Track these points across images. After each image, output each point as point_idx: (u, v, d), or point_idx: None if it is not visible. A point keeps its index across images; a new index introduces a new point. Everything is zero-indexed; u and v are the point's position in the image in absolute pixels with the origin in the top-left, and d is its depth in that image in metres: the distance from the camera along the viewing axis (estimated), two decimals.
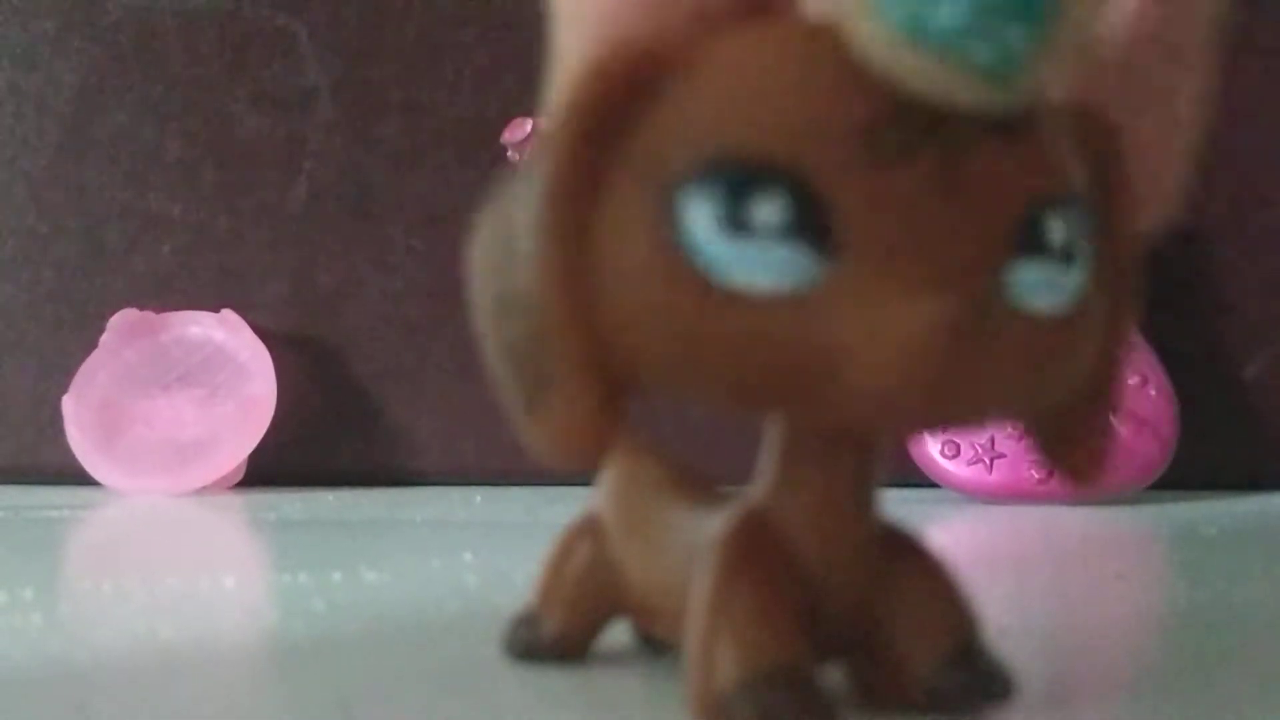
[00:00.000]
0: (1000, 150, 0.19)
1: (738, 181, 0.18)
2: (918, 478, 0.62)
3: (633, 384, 0.20)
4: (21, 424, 0.74)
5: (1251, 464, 0.66)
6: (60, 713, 0.24)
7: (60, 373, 0.71)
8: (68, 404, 0.69)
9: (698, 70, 0.19)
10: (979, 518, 0.56)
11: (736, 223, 0.18)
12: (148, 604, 0.35)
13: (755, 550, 0.22)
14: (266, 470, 0.70)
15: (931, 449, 0.62)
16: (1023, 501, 0.59)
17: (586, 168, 0.19)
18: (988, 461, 0.60)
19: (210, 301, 0.71)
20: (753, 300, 0.18)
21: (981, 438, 0.60)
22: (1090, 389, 0.21)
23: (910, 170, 0.18)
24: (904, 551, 0.23)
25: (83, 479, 0.69)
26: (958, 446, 0.61)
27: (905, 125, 0.18)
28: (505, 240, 0.20)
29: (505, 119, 0.72)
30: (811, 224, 0.18)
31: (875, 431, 0.22)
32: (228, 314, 0.70)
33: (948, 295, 0.18)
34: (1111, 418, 0.21)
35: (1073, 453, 0.21)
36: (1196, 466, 0.63)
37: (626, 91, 0.19)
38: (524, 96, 0.72)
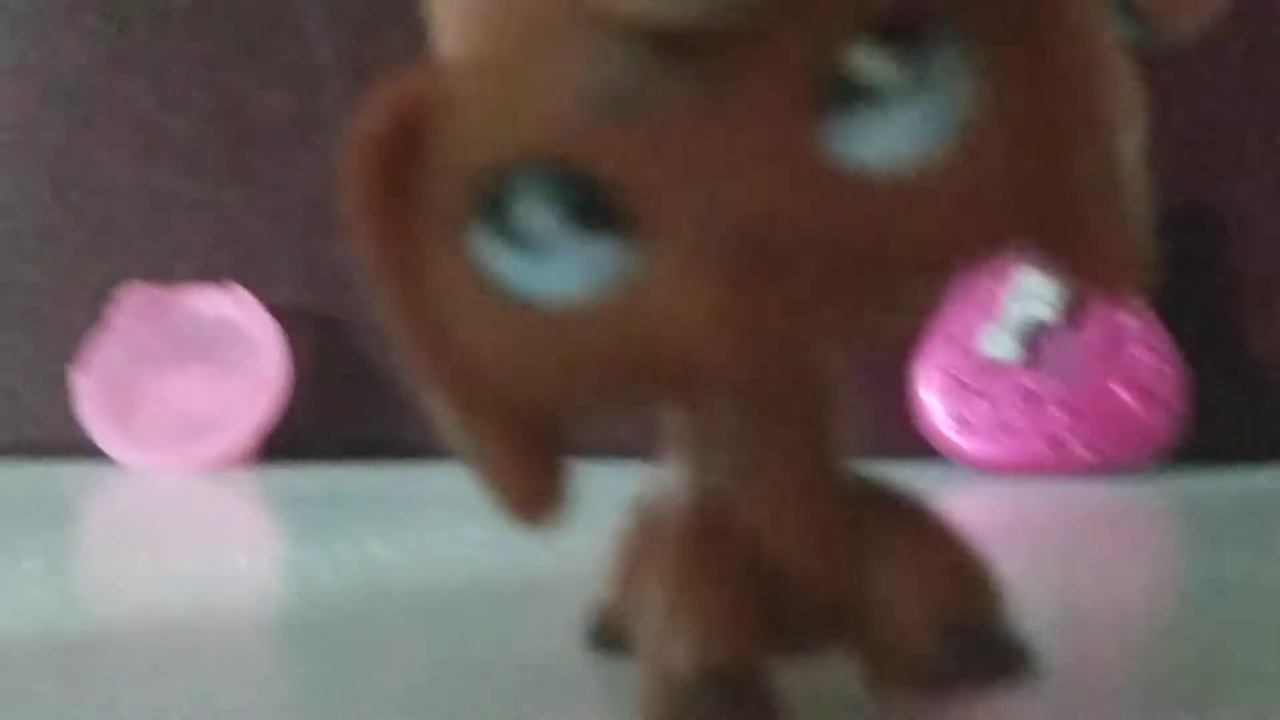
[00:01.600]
0: (765, 31, 0.17)
1: (503, 196, 0.17)
2: (927, 452, 0.62)
3: (549, 429, 0.19)
4: (35, 400, 0.74)
5: (1265, 437, 0.66)
6: (66, 686, 0.24)
7: (73, 350, 0.71)
8: (80, 380, 0.70)
9: (457, 96, 0.18)
10: (989, 492, 0.56)
11: (517, 237, 0.17)
12: (156, 578, 0.35)
13: (709, 545, 0.20)
14: (279, 446, 0.70)
15: (941, 424, 0.62)
16: (1034, 476, 0.59)
17: (393, 222, 0.18)
18: (998, 435, 0.60)
19: (221, 278, 0.71)
20: (586, 310, 0.17)
21: (991, 412, 0.60)
22: (1089, 191, 0.18)
23: (662, 111, 0.17)
24: (890, 519, 0.21)
25: (95, 455, 0.69)
26: (969, 421, 0.61)
27: (639, 67, 0.17)
28: None
29: None
30: (585, 211, 0.17)
31: (826, 394, 0.20)
32: (238, 290, 0.70)
33: (725, 246, 0.17)
34: (1125, 213, 0.18)
35: (1098, 261, 0.18)
36: (1209, 440, 0.63)
37: (403, 136, 0.18)
38: None
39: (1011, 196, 0.17)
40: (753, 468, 0.20)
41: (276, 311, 0.70)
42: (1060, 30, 0.17)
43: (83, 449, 0.69)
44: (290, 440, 0.71)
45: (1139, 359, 0.60)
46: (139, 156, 0.74)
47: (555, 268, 0.17)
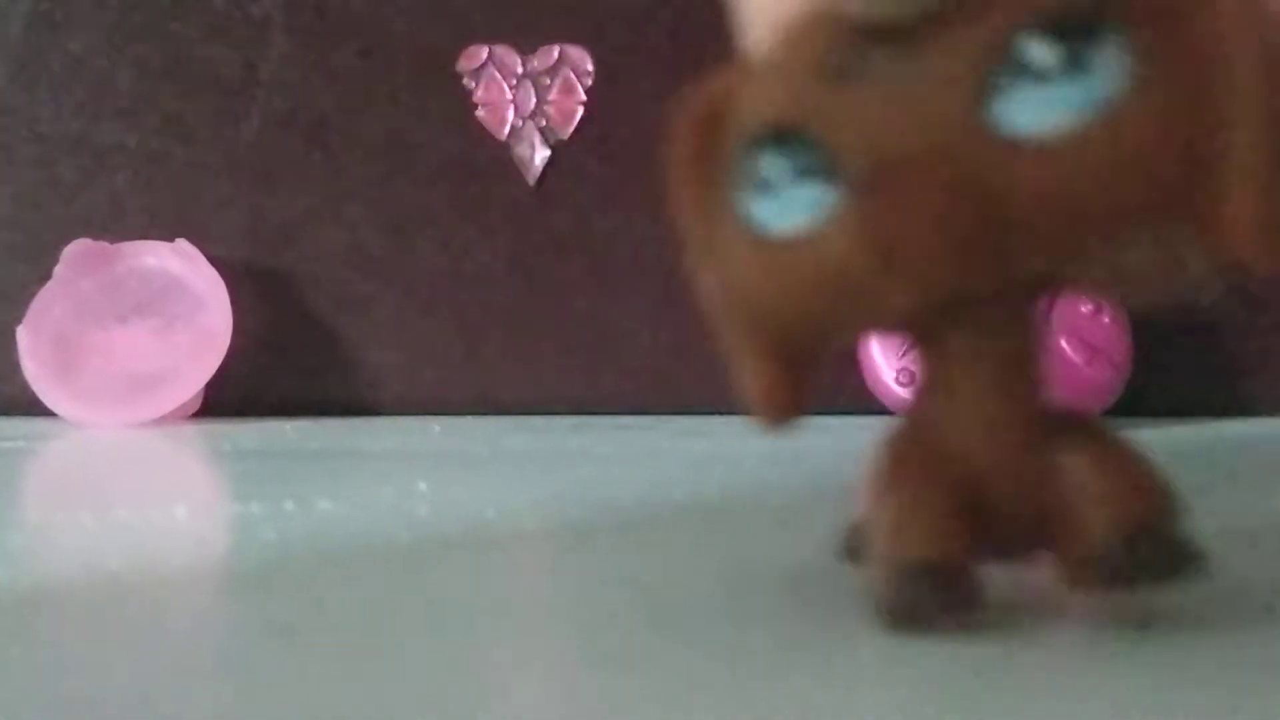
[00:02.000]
0: (955, 20, 0.21)
1: (757, 154, 0.23)
2: (874, 405, 0.62)
3: (799, 349, 0.24)
4: None
5: (1208, 391, 0.67)
6: (9, 641, 0.24)
7: (15, 304, 0.70)
8: (22, 335, 0.69)
9: (744, 87, 0.24)
10: None
11: (763, 184, 0.22)
12: (99, 534, 0.35)
13: (912, 453, 0.24)
14: (223, 401, 0.70)
15: (886, 376, 0.62)
16: None
17: (698, 196, 0.24)
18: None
19: (165, 232, 0.71)
20: (795, 243, 0.22)
21: None
22: (1232, 169, 0.21)
23: (868, 81, 0.22)
24: (1078, 434, 0.24)
25: (38, 410, 0.69)
26: (912, 374, 0.61)
27: (856, 48, 0.22)
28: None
29: (460, 47, 0.71)
30: (809, 161, 0.22)
31: (1027, 325, 0.24)
32: (183, 244, 0.70)
33: (907, 177, 0.21)
34: (1267, 186, 0.21)
35: (1241, 232, 0.21)
36: (1154, 394, 0.63)
37: (711, 117, 0.24)
38: (479, 24, 0.71)
39: (1157, 167, 0.20)
40: (964, 394, 0.23)
41: (221, 266, 0.69)
42: (1211, 14, 0.21)
43: (26, 405, 0.69)
44: (236, 395, 0.71)
45: (1085, 316, 0.61)
46: (83, 110, 0.73)
47: (784, 206, 0.22)
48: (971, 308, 0.23)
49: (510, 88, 0.71)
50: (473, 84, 0.71)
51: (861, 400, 0.62)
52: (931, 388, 0.24)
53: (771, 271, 0.23)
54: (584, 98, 0.71)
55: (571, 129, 0.71)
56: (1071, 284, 0.23)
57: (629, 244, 0.70)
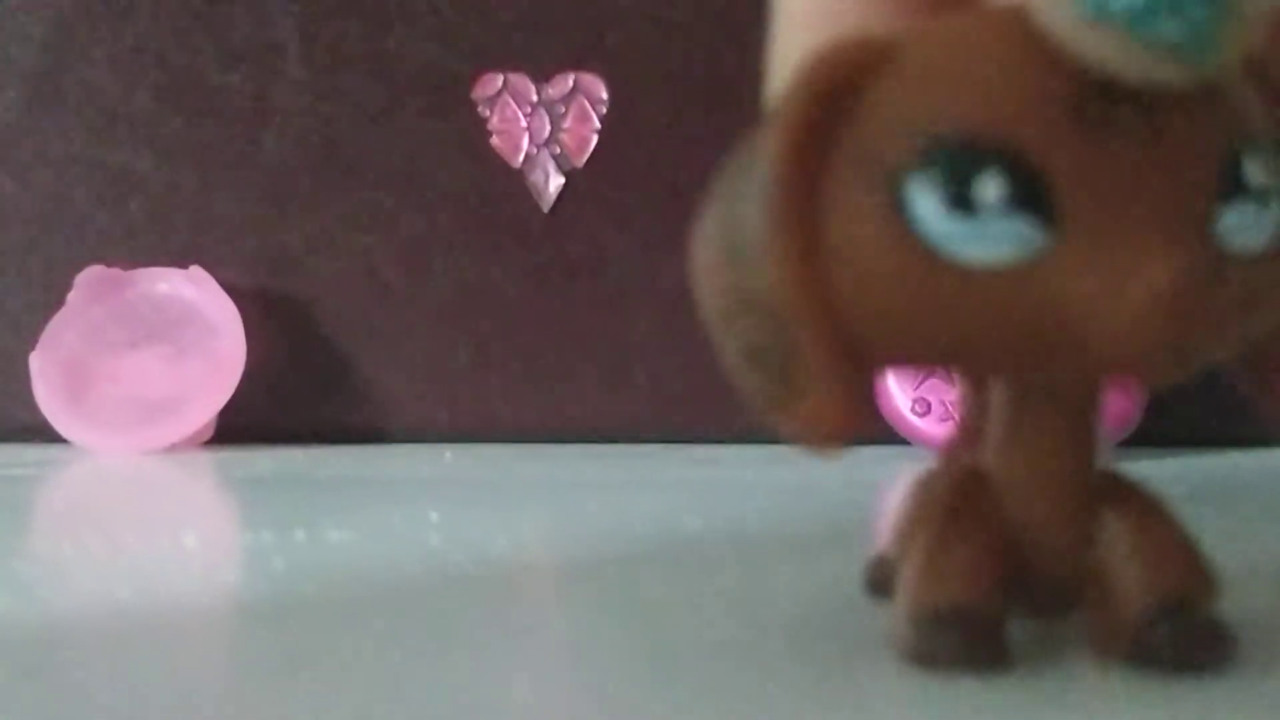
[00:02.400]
0: (1196, 106, 0.20)
1: (959, 164, 0.20)
2: (889, 435, 0.62)
3: (873, 363, 0.22)
4: None
5: (1224, 422, 0.66)
6: (7, 674, 0.24)
7: (27, 330, 0.70)
8: (35, 361, 0.69)
9: (904, 60, 0.21)
10: None
11: (962, 203, 0.20)
12: (107, 563, 0.35)
13: (969, 505, 0.23)
14: (236, 428, 0.70)
15: (902, 406, 0.62)
16: None
17: (811, 160, 0.21)
18: (958, 419, 0.60)
19: (179, 258, 0.71)
20: (983, 272, 0.20)
21: (953, 396, 0.60)
22: None
23: (1117, 137, 0.20)
24: (1124, 501, 0.23)
25: (50, 437, 0.68)
26: (928, 404, 0.61)
27: (1108, 95, 0.20)
28: (732, 238, 0.22)
29: (475, 73, 0.71)
30: (1031, 197, 0.20)
31: (1100, 388, 0.23)
32: (196, 270, 0.70)
33: (1179, 249, 0.20)
34: None
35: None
36: (1168, 424, 0.63)
37: (843, 84, 0.21)
38: (494, 50, 0.71)
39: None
40: (1019, 450, 0.23)
41: (234, 292, 0.69)
42: None
43: (37, 431, 0.69)
44: (248, 422, 0.70)
45: None
46: (96, 135, 0.73)
47: (988, 237, 0.20)
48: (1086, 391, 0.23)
49: (525, 115, 0.71)
50: (487, 111, 0.71)
51: (876, 430, 0.62)
52: (994, 435, 0.23)
53: (958, 298, 0.20)
54: (598, 125, 0.71)
55: (586, 157, 0.71)
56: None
57: (643, 272, 0.70)
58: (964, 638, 0.22)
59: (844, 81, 0.21)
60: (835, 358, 0.21)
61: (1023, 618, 0.24)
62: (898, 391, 0.62)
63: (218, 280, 0.69)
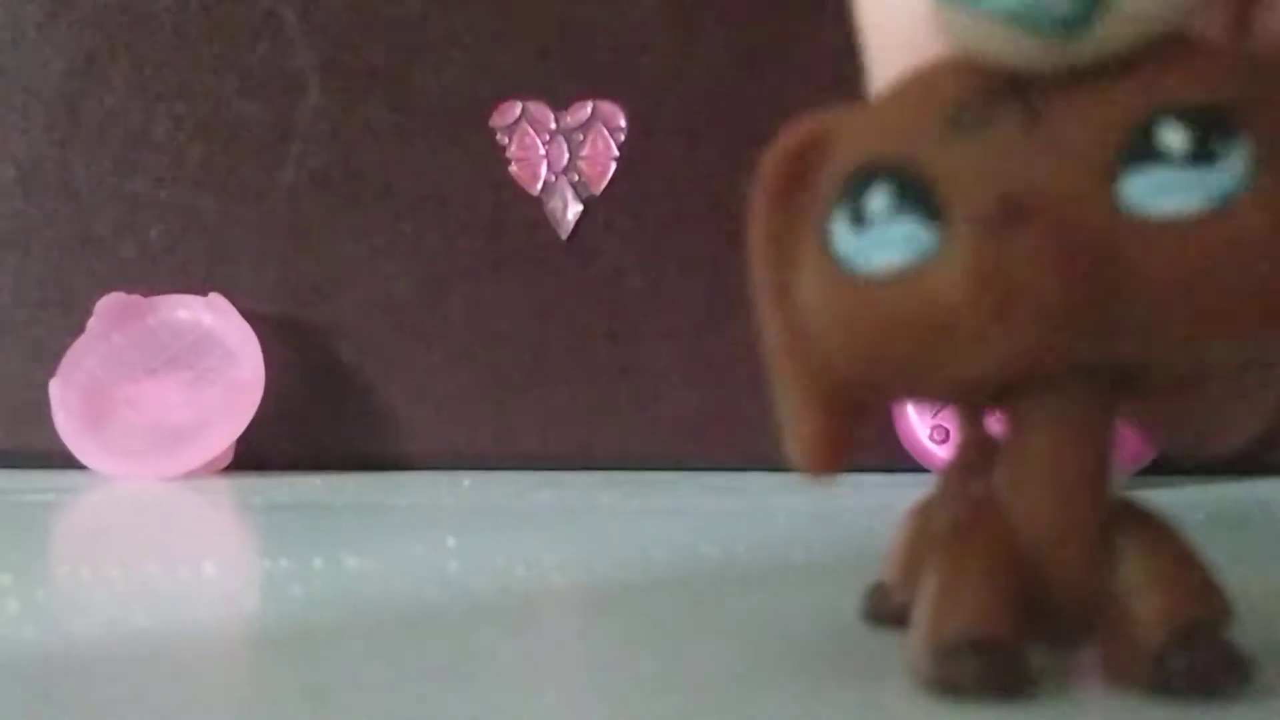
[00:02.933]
0: (1096, 83, 0.21)
1: (858, 188, 0.22)
2: (907, 462, 0.62)
3: (848, 400, 0.23)
4: (8, 408, 0.73)
5: (1240, 450, 0.66)
6: (28, 701, 0.24)
7: (48, 356, 0.71)
8: (55, 388, 0.69)
9: (839, 135, 0.23)
10: None
11: (860, 219, 0.22)
12: (125, 590, 0.35)
13: (983, 534, 0.23)
14: (255, 454, 0.70)
15: (920, 434, 0.62)
16: None
17: (778, 229, 0.24)
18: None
19: (198, 285, 0.71)
20: (889, 281, 0.22)
21: None
22: None
23: (994, 132, 0.21)
24: (1138, 528, 0.23)
25: (70, 463, 0.69)
26: (946, 431, 0.61)
27: (985, 98, 0.22)
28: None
29: (494, 101, 0.72)
30: (916, 199, 0.22)
31: (1113, 416, 0.23)
32: (215, 297, 0.70)
33: (1033, 227, 0.21)
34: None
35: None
36: (1184, 453, 0.63)
37: (798, 164, 0.24)
38: (514, 80, 0.71)
39: (1258, 277, 0.21)
40: (1033, 478, 0.23)
41: (253, 319, 0.69)
42: None
43: (57, 457, 0.69)
44: (267, 448, 0.70)
45: None
46: (116, 163, 0.73)
47: (882, 243, 0.22)
48: (1058, 386, 0.22)
49: (543, 143, 0.71)
50: (506, 139, 0.71)
51: (894, 457, 0.62)
52: (1007, 463, 0.23)
53: (860, 309, 0.22)
54: (616, 153, 0.71)
55: (604, 184, 0.71)
56: (1152, 385, 0.23)
57: (661, 299, 0.70)
58: (983, 666, 0.22)
59: (800, 159, 0.24)
60: (807, 395, 0.23)
61: (1039, 646, 0.24)
62: (915, 419, 0.62)
63: (237, 307, 0.70)
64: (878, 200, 0.22)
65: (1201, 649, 0.22)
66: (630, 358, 0.71)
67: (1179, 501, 0.55)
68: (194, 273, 0.72)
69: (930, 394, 0.24)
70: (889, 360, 0.22)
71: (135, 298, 0.71)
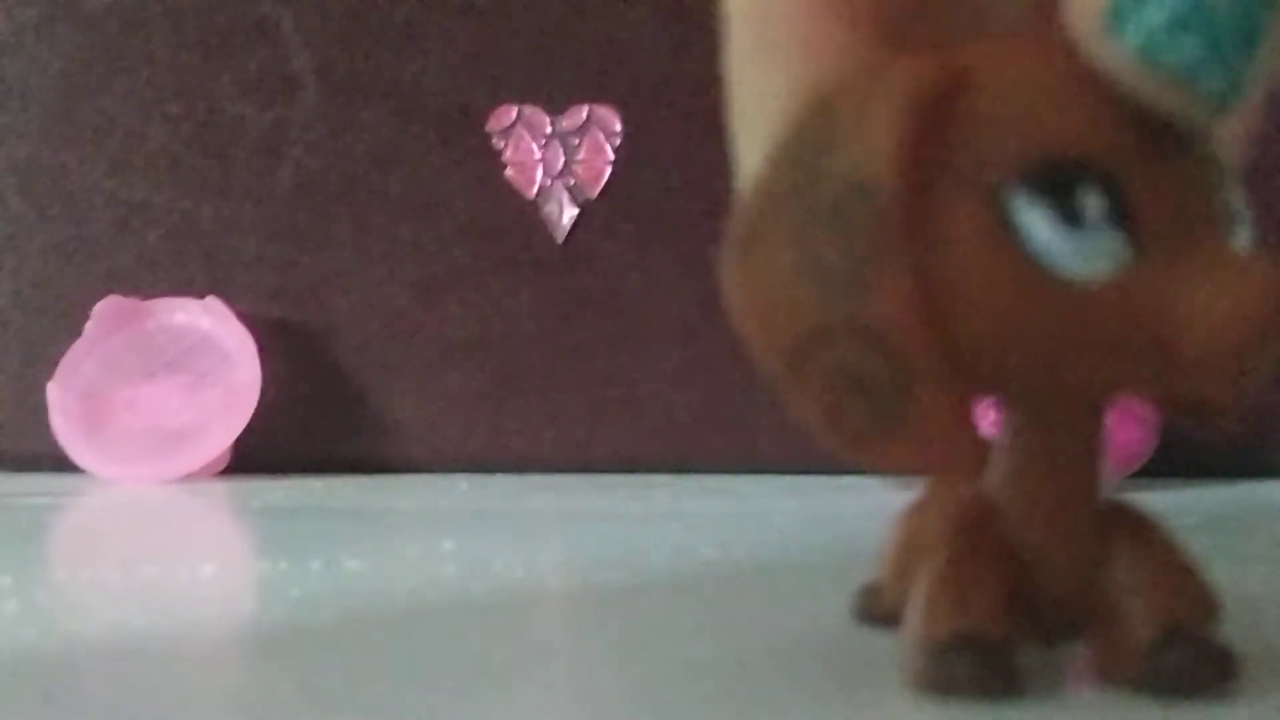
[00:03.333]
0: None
1: (1062, 181, 0.21)
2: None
3: (975, 387, 0.22)
4: (5, 411, 0.73)
5: (1237, 452, 0.66)
6: (26, 702, 0.24)
7: (44, 360, 0.71)
8: (52, 391, 0.69)
9: (983, 86, 0.21)
10: None
11: (1070, 219, 0.21)
12: (123, 592, 0.35)
13: (976, 533, 0.23)
14: (252, 457, 0.70)
15: None
16: None
17: (916, 181, 0.21)
18: None
19: (195, 289, 0.71)
20: (1081, 287, 0.21)
21: None
22: (1204, 373, 0.22)
23: (1173, 155, 0.21)
24: (1128, 528, 0.24)
25: (67, 466, 0.69)
26: None
27: (1162, 118, 0.21)
28: (819, 263, 0.21)
29: (491, 106, 0.72)
30: (1123, 212, 0.21)
31: (1103, 417, 0.23)
32: (212, 301, 0.70)
33: (1262, 263, 0.20)
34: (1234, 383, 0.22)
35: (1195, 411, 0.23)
36: (1181, 454, 0.63)
37: (939, 103, 0.21)
38: (509, 84, 0.72)
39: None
40: (1026, 478, 0.23)
41: (251, 323, 0.70)
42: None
43: (55, 460, 0.69)
44: (265, 451, 0.71)
45: None
46: (113, 166, 0.73)
47: (1090, 251, 0.21)
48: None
49: (539, 147, 0.71)
50: (502, 143, 0.71)
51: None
52: (1001, 464, 0.24)
53: (1056, 312, 0.21)
54: (612, 157, 0.71)
55: (600, 188, 0.71)
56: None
57: (657, 302, 0.70)
58: (976, 665, 0.22)
59: (940, 101, 0.21)
60: (949, 384, 0.21)
61: (1030, 644, 0.24)
62: None
63: (234, 311, 0.70)
64: (1093, 206, 0.21)
65: (1190, 648, 0.22)
66: (627, 361, 0.71)
67: (1175, 503, 0.55)
68: (191, 276, 0.72)
69: (1055, 394, 0.23)
70: (1085, 363, 0.21)
71: (132, 301, 0.71)
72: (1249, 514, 0.54)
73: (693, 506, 0.57)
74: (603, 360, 0.71)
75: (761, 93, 0.24)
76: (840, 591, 0.30)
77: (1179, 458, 0.63)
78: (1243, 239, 0.22)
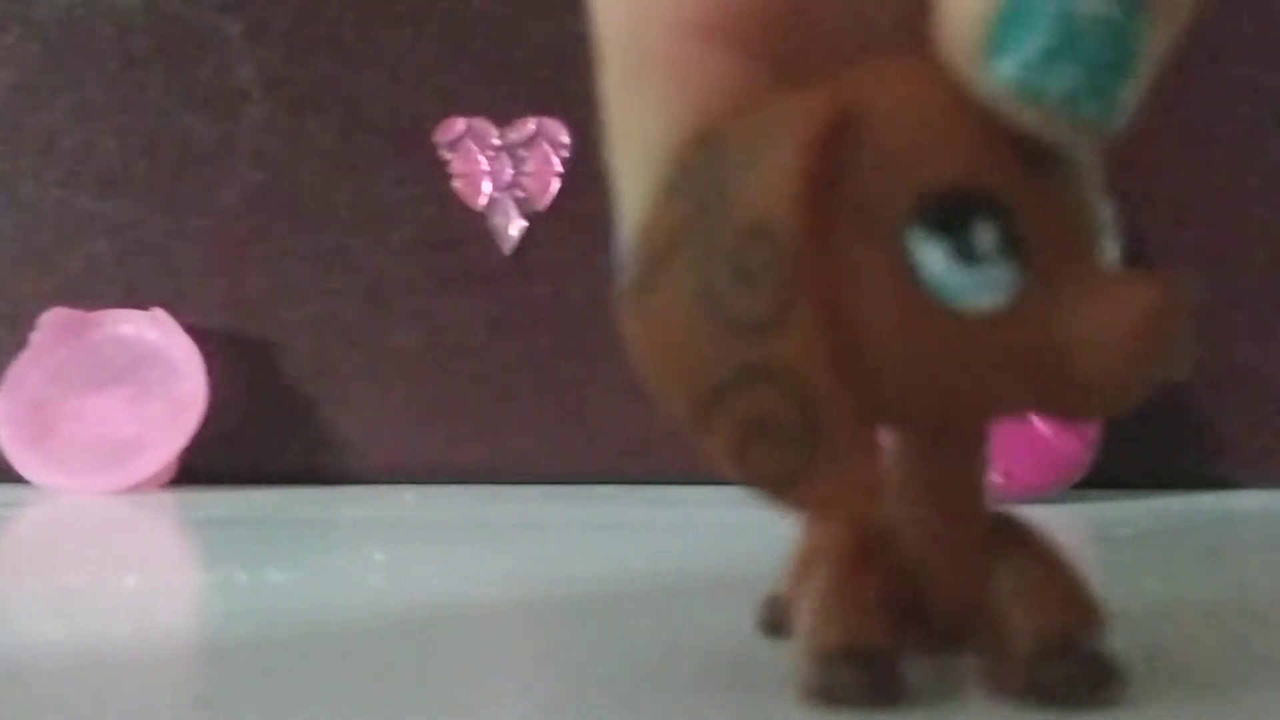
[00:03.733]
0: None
1: (957, 218, 0.21)
2: None
3: (881, 422, 0.22)
4: None
5: (1175, 464, 0.67)
6: None
7: None
8: None
9: (875, 121, 0.21)
10: None
11: (966, 254, 0.21)
12: (51, 603, 0.35)
13: (865, 546, 0.24)
14: (199, 470, 0.70)
15: None
16: None
17: (817, 221, 0.21)
18: None
19: (143, 300, 0.71)
20: (978, 319, 0.21)
21: None
22: (1093, 398, 0.22)
23: (1054, 176, 0.21)
24: (1014, 542, 0.24)
25: (12, 478, 0.69)
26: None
27: (1041, 144, 0.21)
28: (725, 308, 0.21)
29: (438, 118, 0.72)
30: (1014, 242, 0.21)
31: (987, 434, 0.24)
32: (158, 312, 0.70)
33: (1155, 280, 0.21)
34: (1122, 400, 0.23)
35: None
36: (1119, 466, 0.63)
37: (833, 140, 0.21)
38: (457, 96, 0.72)
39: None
40: (915, 498, 0.24)
41: (198, 334, 0.70)
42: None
43: (1, 472, 0.69)
44: (212, 464, 0.70)
45: None
46: (62, 178, 0.73)
47: (986, 284, 0.21)
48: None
49: (487, 159, 0.71)
50: (449, 155, 0.72)
51: None
52: (891, 480, 0.23)
53: (953, 345, 0.21)
54: (560, 169, 0.71)
55: (548, 200, 0.71)
56: None
57: (604, 315, 0.70)
58: (861, 675, 0.22)
59: (833, 137, 0.21)
60: (858, 424, 0.21)
61: (918, 655, 0.24)
62: None
63: (181, 323, 0.70)
64: (986, 240, 0.21)
65: (1070, 659, 0.23)
66: (574, 373, 0.71)
67: (1113, 514, 0.56)
68: (139, 288, 0.72)
69: (951, 420, 0.23)
70: (983, 393, 0.22)
71: (79, 313, 0.71)
72: (1182, 525, 0.54)
73: (637, 517, 0.57)
74: (550, 372, 0.71)
75: (638, 122, 0.23)
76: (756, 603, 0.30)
77: (1117, 471, 0.63)
78: (1111, 251, 0.22)
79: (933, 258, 0.21)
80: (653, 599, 0.37)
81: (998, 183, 0.21)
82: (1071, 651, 0.23)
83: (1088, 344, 0.21)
